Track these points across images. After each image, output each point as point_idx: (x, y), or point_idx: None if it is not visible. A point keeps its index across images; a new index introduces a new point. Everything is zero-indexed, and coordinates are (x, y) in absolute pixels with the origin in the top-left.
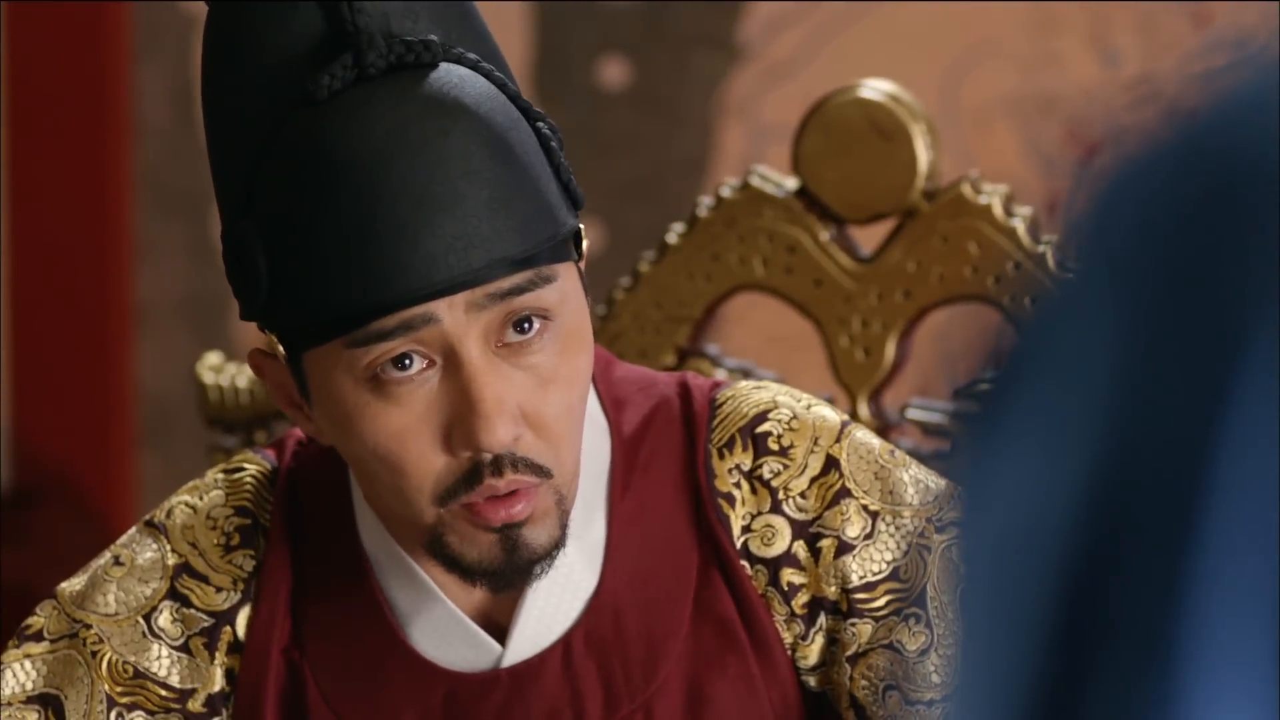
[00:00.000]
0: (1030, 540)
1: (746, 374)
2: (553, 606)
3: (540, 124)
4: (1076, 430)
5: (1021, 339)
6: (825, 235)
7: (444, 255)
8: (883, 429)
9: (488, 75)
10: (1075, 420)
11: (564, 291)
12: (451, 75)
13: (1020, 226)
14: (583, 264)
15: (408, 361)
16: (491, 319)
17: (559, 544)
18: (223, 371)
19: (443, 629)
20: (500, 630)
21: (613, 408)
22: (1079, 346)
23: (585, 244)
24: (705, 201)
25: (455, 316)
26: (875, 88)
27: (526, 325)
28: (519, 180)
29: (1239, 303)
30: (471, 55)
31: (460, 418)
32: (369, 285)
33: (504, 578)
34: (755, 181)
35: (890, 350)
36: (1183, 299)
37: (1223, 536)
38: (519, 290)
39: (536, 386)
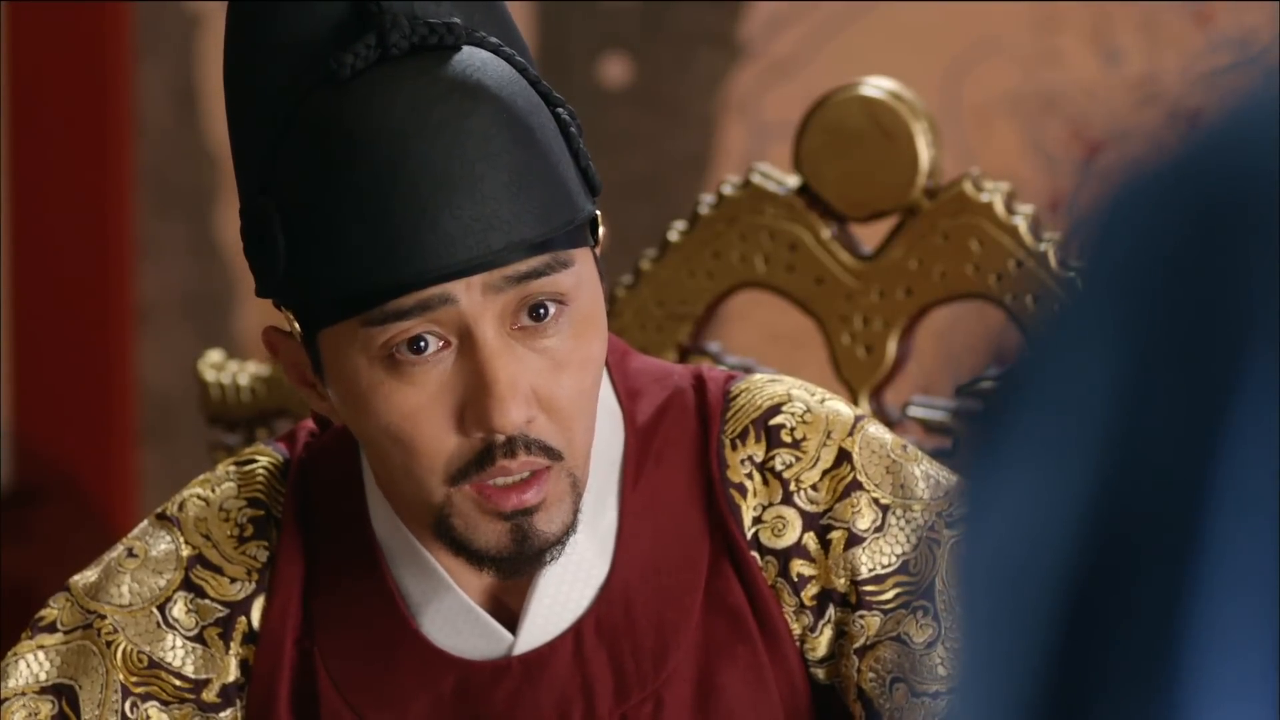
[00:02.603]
0: (1032, 555)
1: (749, 371)
2: (564, 595)
3: (560, 109)
4: (1078, 445)
5: (1024, 353)
6: (827, 233)
7: (463, 236)
8: (889, 430)
9: (509, 59)
10: (1077, 435)
11: (580, 277)
12: (474, 58)
13: (1022, 224)
14: (599, 250)
15: (423, 344)
16: (508, 301)
17: (570, 530)
18: (224, 369)
19: (454, 618)
20: (511, 618)
21: (627, 398)
22: (1081, 361)
23: (602, 230)
24: (707, 199)
25: (472, 298)
26: (877, 85)
27: (542, 310)
28: (538, 164)
29: (1240, 318)
30: (493, 39)
31: (474, 398)
32: (387, 264)
33: (513, 565)
34: (757, 179)
35: (891, 348)
36: (1184, 315)
37: (1225, 551)
38: (536, 274)
39: (550, 369)
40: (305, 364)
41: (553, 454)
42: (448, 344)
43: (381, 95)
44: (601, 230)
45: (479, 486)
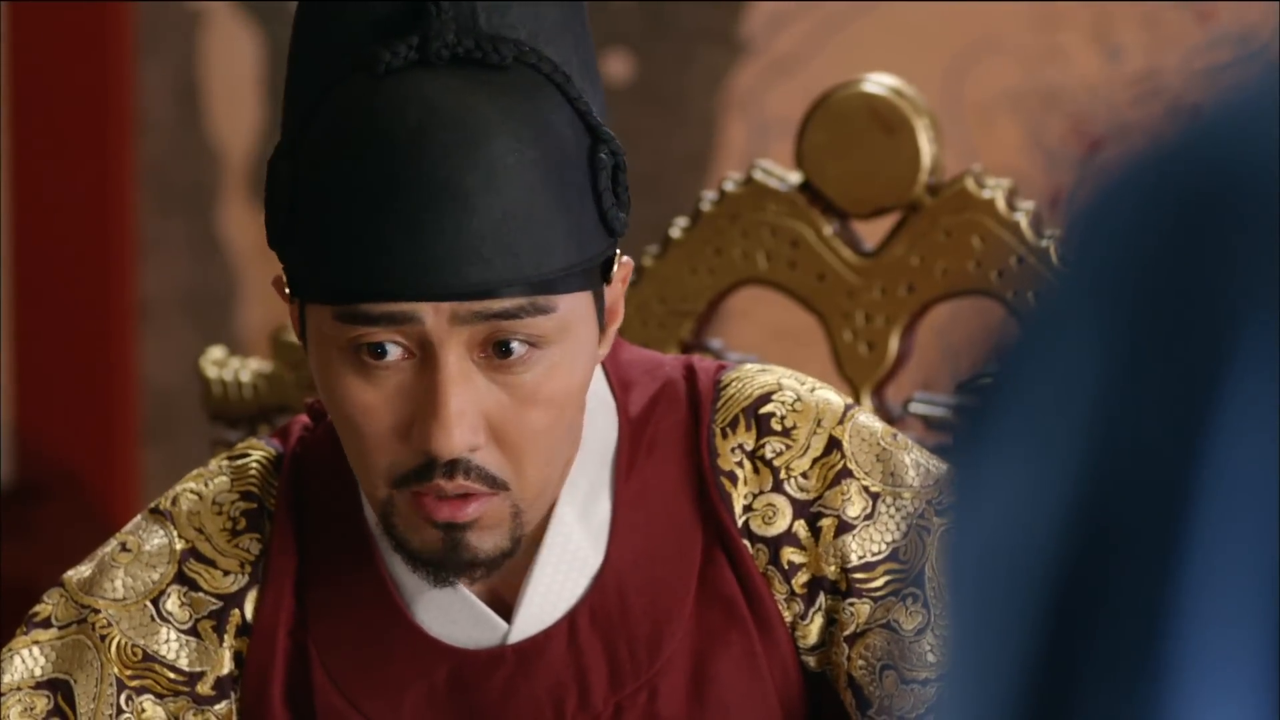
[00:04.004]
0: (1020, 545)
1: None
2: (558, 584)
3: (603, 146)
4: (1064, 437)
5: (1010, 346)
6: (828, 229)
7: (439, 263)
8: (886, 423)
9: (560, 86)
10: (1063, 430)
11: (564, 320)
12: (517, 81)
13: (1023, 221)
14: (608, 287)
15: (384, 350)
16: (475, 333)
17: (507, 554)
18: (226, 366)
19: (448, 606)
20: (506, 607)
21: (620, 389)
22: (1067, 356)
23: (617, 267)
24: (708, 196)
25: (439, 322)
26: (878, 82)
27: (507, 348)
28: (544, 205)
29: (1225, 309)
30: (550, 61)
31: (422, 416)
32: (362, 268)
33: (443, 571)
34: (758, 176)
35: (893, 344)
36: (1170, 306)
37: (1211, 543)
38: (509, 315)
39: (513, 404)
40: (297, 321)
41: (495, 483)
42: (411, 354)
43: (405, 101)
44: (620, 266)
45: (416, 493)
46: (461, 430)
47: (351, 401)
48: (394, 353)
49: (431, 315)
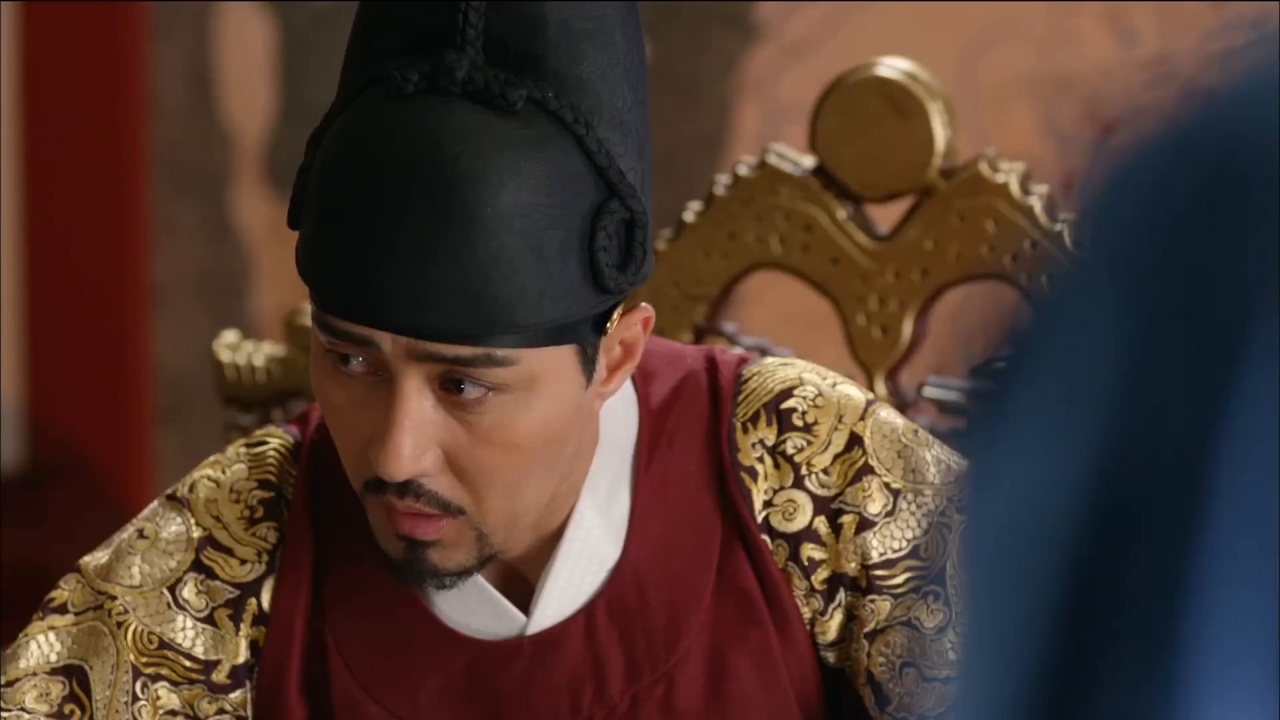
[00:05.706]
0: (1034, 536)
1: (764, 352)
2: (577, 576)
3: (614, 202)
4: (1080, 425)
5: (1025, 332)
6: (842, 213)
7: (397, 298)
8: (899, 407)
9: (579, 138)
10: (1079, 415)
11: (529, 372)
12: (527, 127)
13: (1037, 205)
14: (604, 338)
15: (351, 361)
16: (432, 369)
17: (470, 571)
18: (239, 349)
19: (466, 598)
20: (524, 599)
21: (641, 379)
22: (1082, 340)
23: (618, 317)
24: (722, 180)
25: (397, 351)
26: (892, 66)
27: (463, 386)
28: (514, 261)
29: (1240, 295)
30: (573, 109)
31: (375, 435)
32: (330, 283)
33: (409, 578)
34: (772, 160)
35: (907, 328)
36: (1184, 292)
37: (1227, 532)
38: (461, 362)
39: (470, 441)
40: None
41: (450, 508)
42: (376, 372)
43: (404, 131)
44: (637, 310)
45: (384, 500)
46: (409, 456)
47: (326, 398)
48: (359, 366)
49: (389, 344)
